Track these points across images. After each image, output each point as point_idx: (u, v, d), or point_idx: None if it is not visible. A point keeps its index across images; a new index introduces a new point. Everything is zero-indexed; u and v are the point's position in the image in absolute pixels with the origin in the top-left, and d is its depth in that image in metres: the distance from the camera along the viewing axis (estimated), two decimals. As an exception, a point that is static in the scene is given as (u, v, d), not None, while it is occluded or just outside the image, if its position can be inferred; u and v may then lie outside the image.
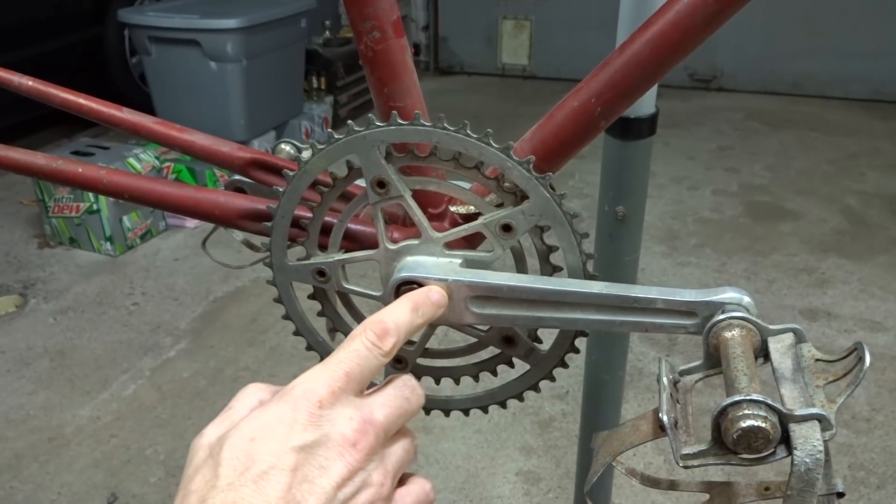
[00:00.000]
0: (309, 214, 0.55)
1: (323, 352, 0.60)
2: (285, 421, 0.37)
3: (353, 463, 0.37)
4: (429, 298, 0.48)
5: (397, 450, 0.41)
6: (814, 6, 4.00)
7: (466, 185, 0.54)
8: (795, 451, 0.39)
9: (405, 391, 0.42)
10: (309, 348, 0.60)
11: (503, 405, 0.59)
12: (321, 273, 0.55)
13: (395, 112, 0.49)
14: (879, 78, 4.00)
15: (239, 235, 0.65)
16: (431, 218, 0.54)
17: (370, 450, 0.38)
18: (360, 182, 0.53)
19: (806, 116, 3.87)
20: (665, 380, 0.46)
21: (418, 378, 0.60)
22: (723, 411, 0.40)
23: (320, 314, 0.60)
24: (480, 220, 0.51)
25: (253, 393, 0.41)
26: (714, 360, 0.47)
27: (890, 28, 3.93)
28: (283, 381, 0.41)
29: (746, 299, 0.46)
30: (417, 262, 0.52)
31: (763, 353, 0.46)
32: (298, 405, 0.37)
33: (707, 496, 0.50)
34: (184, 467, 0.38)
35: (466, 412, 0.60)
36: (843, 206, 2.84)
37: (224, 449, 0.36)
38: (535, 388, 0.58)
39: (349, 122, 0.50)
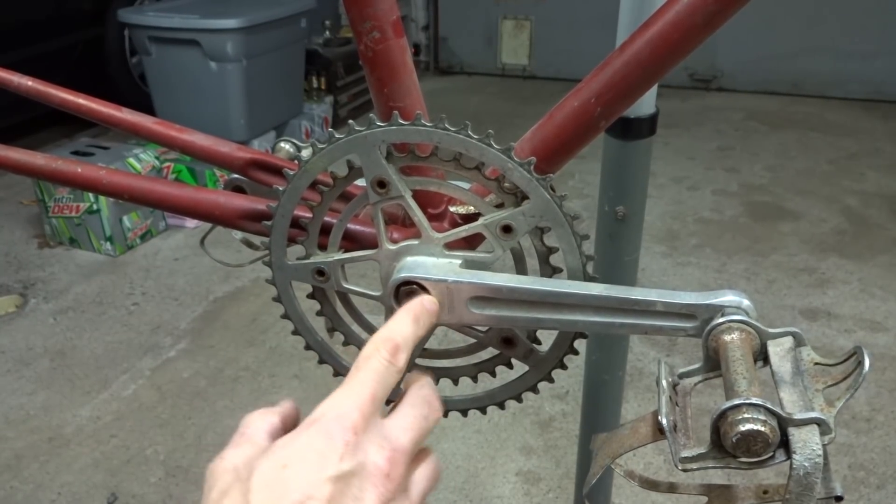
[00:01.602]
0: (309, 214, 0.55)
1: (322, 351, 0.60)
2: (318, 448, 0.36)
3: (386, 494, 0.36)
4: (425, 307, 0.48)
5: (421, 478, 0.40)
6: (814, 6, 3.99)
7: (466, 186, 0.54)
8: (794, 455, 0.39)
9: (424, 409, 0.41)
10: (308, 348, 0.60)
11: (501, 406, 0.59)
12: (320, 273, 0.55)
13: (396, 112, 0.49)
14: (879, 78, 4.00)
15: (238, 234, 0.65)
16: (431, 218, 0.54)
17: (400, 479, 0.37)
18: (360, 182, 0.53)
19: (806, 116, 3.87)
20: (664, 382, 0.46)
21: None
22: (722, 415, 0.40)
23: (319, 314, 0.60)
24: (480, 220, 0.51)
25: (261, 416, 0.40)
26: (713, 362, 0.47)
27: (890, 28, 3.92)
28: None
29: (746, 302, 0.46)
30: (417, 263, 0.52)
31: (762, 357, 0.46)
32: (333, 432, 0.36)
33: (706, 499, 0.50)
34: (204, 492, 0.37)
35: (465, 413, 0.60)
36: (843, 206, 2.84)
37: (255, 475, 0.35)
38: (534, 389, 0.58)
39: (350, 121, 0.50)
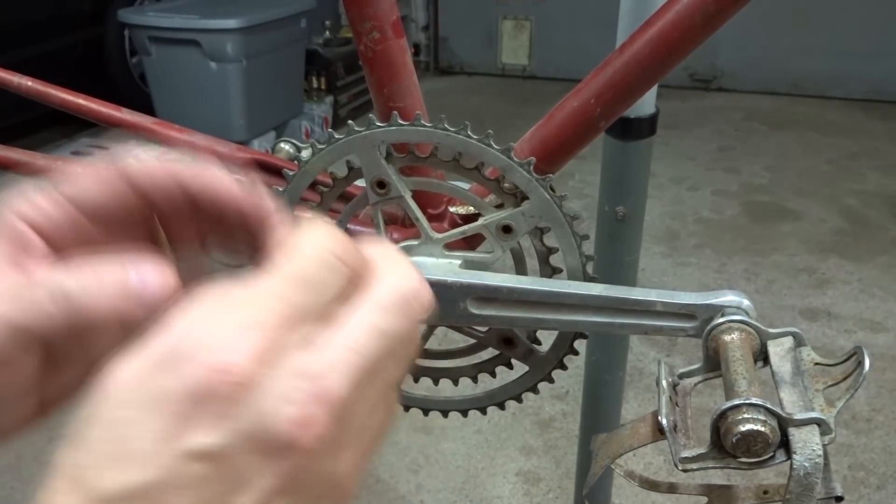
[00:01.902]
0: (308, 215, 0.55)
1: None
2: (179, 405, 0.22)
3: (290, 471, 0.22)
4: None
5: (376, 407, 0.25)
6: (814, 6, 3.99)
7: (466, 186, 0.54)
8: (794, 456, 0.39)
9: (392, 312, 0.25)
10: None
11: (501, 406, 0.59)
12: (320, 274, 0.55)
13: (395, 112, 0.49)
14: (879, 78, 4.00)
15: (238, 236, 0.65)
16: (431, 218, 0.54)
17: (321, 443, 0.23)
18: (360, 182, 0.53)
19: (806, 116, 3.86)
20: (664, 383, 0.46)
21: (416, 379, 0.60)
22: (722, 415, 0.40)
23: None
24: (480, 220, 0.51)
25: (214, 297, 0.24)
26: (713, 363, 0.47)
27: (890, 28, 3.92)
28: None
29: (746, 302, 0.46)
30: (417, 263, 0.52)
31: (762, 357, 0.46)
32: (204, 381, 0.22)
33: (706, 499, 0.50)
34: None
35: (465, 413, 0.60)
36: (843, 207, 2.84)
37: (98, 420, 0.22)
38: (534, 389, 0.57)
39: (349, 122, 0.50)
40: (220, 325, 0.23)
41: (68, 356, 0.28)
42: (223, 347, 0.22)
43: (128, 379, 0.23)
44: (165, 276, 0.27)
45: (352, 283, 0.25)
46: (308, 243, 0.25)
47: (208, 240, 0.32)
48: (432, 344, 0.57)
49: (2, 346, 0.26)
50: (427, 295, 0.26)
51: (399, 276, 0.26)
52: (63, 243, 0.29)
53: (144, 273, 0.27)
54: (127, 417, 0.22)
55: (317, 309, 0.24)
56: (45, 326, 0.26)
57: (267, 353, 0.22)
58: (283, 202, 0.46)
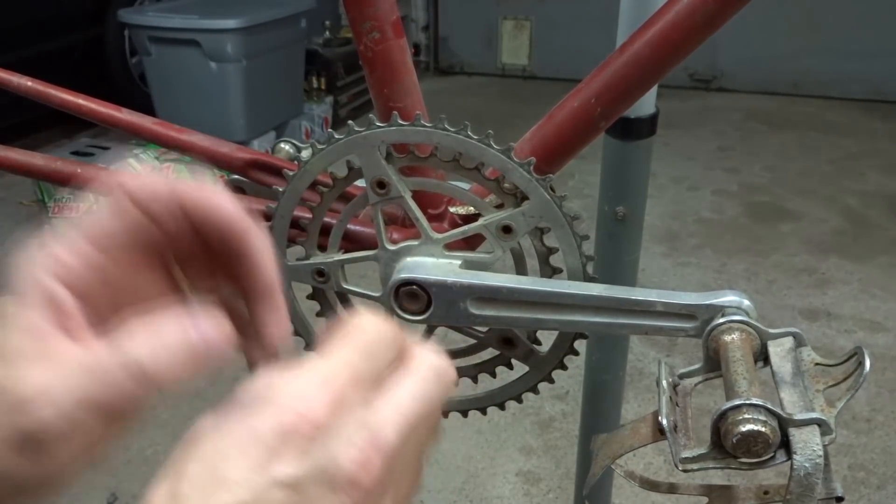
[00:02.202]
0: (308, 215, 0.55)
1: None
2: (267, 441, 0.27)
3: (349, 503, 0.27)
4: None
5: (412, 465, 0.30)
6: (814, 6, 3.99)
7: (466, 186, 0.54)
8: (795, 456, 0.39)
9: (427, 384, 0.31)
10: (308, 348, 0.60)
11: (501, 406, 0.59)
12: (320, 273, 0.55)
13: (395, 113, 0.49)
14: (879, 78, 4.00)
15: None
16: (431, 219, 0.54)
17: (375, 484, 0.27)
18: (360, 182, 0.53)
19: (806, 116, 3.86)
20: (665, 383, 0.46)
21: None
22: (722, 415, 0.40)
23: (319, 314, 0.60)
24: (480, 221, 0.51)
25: (312, 386, 0.29)
26: (714, 363, 0.47)
27: (890, 28, 3.92)
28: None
29: (746, 303, 0.46)
30: (417, 263, 0.52)
31: (763, 357, 0.46)
32: (287, 422, 0.27)
33: (706, 499, 0.50)
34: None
35: (465, 413, 0.60)
36: (843, 207, 2.84)
37: (195, 457, 0.27)
38: (534, 389, 0.57)
39: (349, 122, 0.50)
40: (300, 380, 0.28)
41: (125, 416, 0.32)
42: (304, 397, 0.28)
43: (220, 423, 0.28)
44: (224, 328, 0.32)
45: (398, 358, 0.32)
46: (366, 325, 0.31)
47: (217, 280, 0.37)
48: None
49: (81, 423, 0.30)
50: (453, 373, 0.33)
51: (433, 358, 0.32)
52: (89, 291, 0.33)
53: (205, 329, 0.32)
54: (223, 452, 0.27)
55: (373, 376, 0.30)
56: (123, 400, 0.30)
57: (336, 405, 0.28)
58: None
